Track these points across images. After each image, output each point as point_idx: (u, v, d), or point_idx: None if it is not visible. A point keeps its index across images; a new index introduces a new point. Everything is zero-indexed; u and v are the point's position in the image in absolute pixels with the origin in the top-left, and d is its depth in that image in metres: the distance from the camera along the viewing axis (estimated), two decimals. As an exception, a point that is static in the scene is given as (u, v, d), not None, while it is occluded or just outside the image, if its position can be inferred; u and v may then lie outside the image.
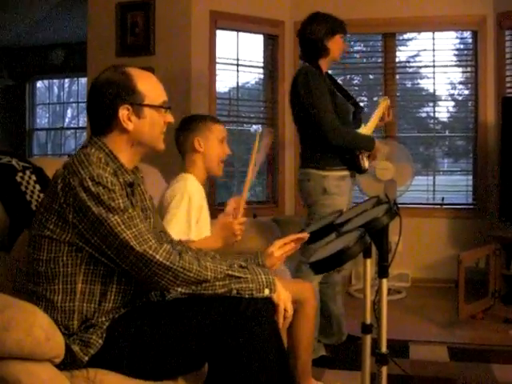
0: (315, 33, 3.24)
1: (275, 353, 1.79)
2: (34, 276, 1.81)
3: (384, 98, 3.57)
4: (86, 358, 1.75)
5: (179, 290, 1.76)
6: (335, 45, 3.28)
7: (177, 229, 2.42)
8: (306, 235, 2.27)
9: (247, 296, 1.79)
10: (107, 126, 1.84)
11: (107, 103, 1.81)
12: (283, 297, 1.87)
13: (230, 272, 1.79)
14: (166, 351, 1.78)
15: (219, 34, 5.12)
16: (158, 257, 1.70)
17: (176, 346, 1.78)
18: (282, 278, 2.72)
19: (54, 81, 8.87)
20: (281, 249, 2.20)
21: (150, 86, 1.87)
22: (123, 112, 1.81)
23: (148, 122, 1.86)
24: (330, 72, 3.49)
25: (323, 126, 3.12)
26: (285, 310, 1.88)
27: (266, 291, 1.82)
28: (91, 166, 1.71)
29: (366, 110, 5.59)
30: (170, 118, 1.93)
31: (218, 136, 2.65)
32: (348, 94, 3.46)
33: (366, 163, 3.31)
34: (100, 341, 1.77)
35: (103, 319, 1.79)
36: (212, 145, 2.63)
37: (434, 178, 5.45)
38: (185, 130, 2.66)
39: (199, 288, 1.76)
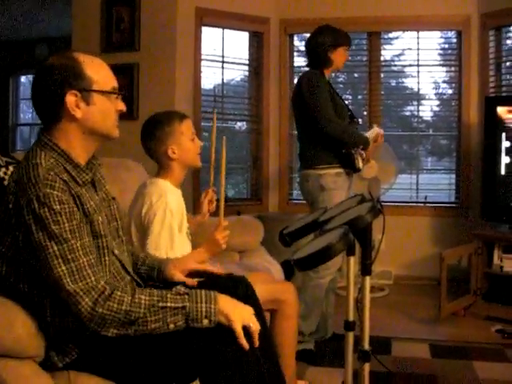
0: (320, 45, 3.44)
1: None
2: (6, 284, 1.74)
3: (377, 126, 3.71)
4: (61, 365, 1.73)
5: (111, 331, 1.64)
6: (338, 56, 3.49)
7: (162, 246, 2.36)
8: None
9: (183, 326, 1.68)
10: (54, 116, 1.73)
11: (53, 89, 1.69)
12: (236, 317, 1.70)
13: (161, 304, 1.66)
14: (147, 360, 1.75)
15: (205, 30, 5.11)
16: (86, 299, 1.59)
17: (157, 356, 1.75)
18: (263, 277, 2.72)
19: (38, 76, 8.80)
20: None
21: (98, 71, 1.76)
22: (70, 98, 1.69)
23: (98, 108, 1.74)
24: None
25: (321, 118, 3.26)
26: (247, 326, 1.72)
27: (205, 321, 1.68)
28: (38, 185, 1.60)
29: (350, 107, 5.65)
30: (121, 105, 1.82)
31: (189, 135, 2.51)
32: (346, 105, 3.62)
33: (360, 163, 3.40)
34: (76, 350, 1.74)
35: (79, 330, 1.71)
36: (185, 147, 2.49)
37: (418, 176, 5.48)
38: (154, 139, 2.48)
39: (133, 327, 1.65)
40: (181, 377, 1.80)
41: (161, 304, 1.66)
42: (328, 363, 3.23)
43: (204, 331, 1.69)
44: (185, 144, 2.49)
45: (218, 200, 2.73)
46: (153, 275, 2.12)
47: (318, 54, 3.46)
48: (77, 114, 1.71)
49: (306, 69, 3.55)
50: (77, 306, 1.60)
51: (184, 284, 1.79)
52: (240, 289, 1.94)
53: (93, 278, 1.62)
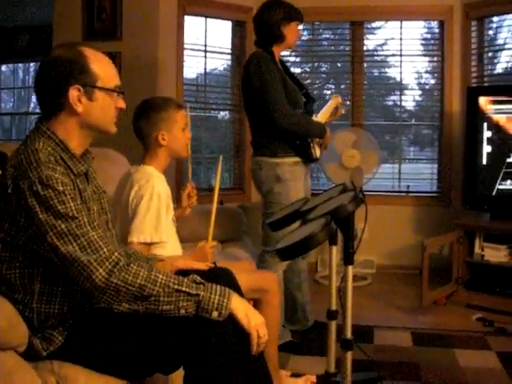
0: (272, 18, 3.23)
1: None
2: None
3: (336, 96, 3.55)
4: (45, 354, 1.73)
5: (123, 305, 1.65)
6: (291, 32, 3.28)
7: (147, 230, 2.37)
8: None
9: (193, 314, 1.68)
10: (56, 108, 1.74)
11: (57, 82, 1.70)
12: (255, 323, 1.72)
13: (177, 287, 1.67)
14: (130, 350, 1.75)
15: (187, 19, 5.08)
16: (100, 270, 1.61)
17: (142, 345, 1.74)
18: (245, 267, 2.73)
19: (19, 65, 8.70)
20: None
21: (103, 68, 1.77)
22: (73, 93, 1.71)
23: (99, 105, 1.76)
24: (290, 60, 3.47)
25: (275, 112, 3.09)
26: (259, 336, 1.73)
27: (214, 314, 1.67)
28: (40, 168, 1.62)
29: (327, 97, 5.65)
30: (122, 103, 1.84)
31: (181, 125, 2.53)
32: (300, 84, 3.46)
33: (317, 151, 3.31)
34: (60, 338, 1.74)
35: (65, 318, 1.74)
36: (176, 136, 2.51)
37: (400, 166, 5.51)
38: (146, 121, 2.50)
39: (145, 304, 1.65)
40: (165, 365, 1.80)
41: (177, 287, 1.67)
42: (311, 352, 3.25)
43: (189, 320, 1.69)
44: (176, 132, 2.52)
45: (197, 194, 2.77)
46: None
47: (269, 29, 3.24)
48: (78, 109, 1.73)
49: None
50: (91, 277, 1.60)
51: (200, 275, 1.80)
52: (223, 279, 1.94)
53: (105, 249, 1.64)
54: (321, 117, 3.45)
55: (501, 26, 5.22)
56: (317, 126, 3.29)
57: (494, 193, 4.40)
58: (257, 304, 2.57)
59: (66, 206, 1.62)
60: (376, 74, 5.86)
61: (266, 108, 3.12)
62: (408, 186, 5.43)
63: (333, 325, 2.31)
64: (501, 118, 4.38)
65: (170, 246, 2.49)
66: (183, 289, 1.67)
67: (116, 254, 1.66)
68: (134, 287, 1.63)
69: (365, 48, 5.53)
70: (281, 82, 3.17)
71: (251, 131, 3.37)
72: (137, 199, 2.40)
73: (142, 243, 2.36)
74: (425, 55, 5.56)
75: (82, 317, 1.79)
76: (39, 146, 1.67)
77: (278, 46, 3.29)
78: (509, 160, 4.35)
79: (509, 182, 4.36)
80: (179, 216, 2.73)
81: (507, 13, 5.03)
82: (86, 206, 1.76)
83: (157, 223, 2.39)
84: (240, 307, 1.72)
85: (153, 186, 2.40)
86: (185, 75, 5.15)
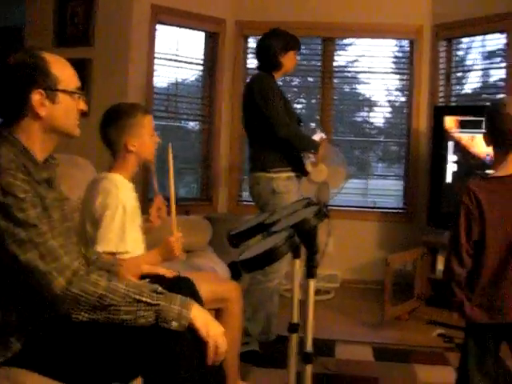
0: (271, 48, 3.47)
1: None
2: None
3: (321, 131, 3.81)
4: (1, 360, 1.70)
5: (82, 314, 1.63)
6: (288, 60, 3.53)
7: (112, 240, 2.33)
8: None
9: (152, 323, 1.66)
10: (18, 113, 1.72)
11: (19, 87, 1.69)
12: (214, 333, 1.71)
13: (137, 297, 1.66)
14: (88, 358, 1.73)
15: (160, 28, 5.08)
16: (60, 279, 1.59)
17: (100, 353, 1.73)
18: (208, 277, 2.74)
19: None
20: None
21: (64, 71, 1.77)
22: (36, 97, 1.70)
23: (62, 107, 1.76)
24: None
25: (276, 122, 3.30)
26: (217, 346, 1.71)
27: (174, 324, 1.66)
28: (0, 174, 1.59)
29: (304, 111, 5.70)
30: (83, 104, 1.83)
31: (149, 131, 2.52)
32: (293, 110, 3.71)
33: (309, 166, 3.52)
34: (18, 345, 1.72)
35: (24, 325, 1.71)
36: (144, 141, 2.49)
37: (368, 181, 5.56)
38: (114, 128, 2.47)
39: (104, 313, 1.64)
40: (123, 374, 1.80)
41: (137, 297, 1.66)
42: (272, 365, 3.25)
43: (148, 328, 1.68)
44: (144, 138, 2.49)
45: (167, 206, 2.74)
46: None
47: (268, 58, 3.49)
48: (42, 113, 1.72)
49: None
50: (50, 286, 1.59)
51: (161, 284, 1.79)
52: (184, 289, 1.94)
53: (65, 258, 1.63)
54: None
55: (470, 48, 5.32)
56: (312, 140, 3.52)
57: (457, 211, 4.45)
58: (218, 314, 2.57)
59: (27, 214, 1.60)
60: (347, 89, 5.92)
61: (267, 120, 3.33)
62: (374, 202, 5.48)
63: (293, 338, 2.31)
64: (466, 138, 4.45)
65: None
66: (143, 299, 1.66)
67: (76, 263, 1.65)
68: (93, 297, 1.62)
69: (336, 64, 5.59)
70: (281, 100, 3.41)
71: (250, 148, 3.59)
72: (102, 208, 2.36)
73: (108, 253, 2.33)
74: (395, 73, 5.64)
75: (41, 324, 1.76)
76: (0, 152, 1.65)
77: (276, 72, 3.53)
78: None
79: (472, 200, 4.42)
80: (149, 228, 2.71)
81: (476, 34, 5.13)
82: (47, 213, 1.73)
83: (122, 233, 2.36)
84: (199, 317, 1.71)
85: (118, 196, 2.37)
86: (156, 84, 5.15)
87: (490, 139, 2.27)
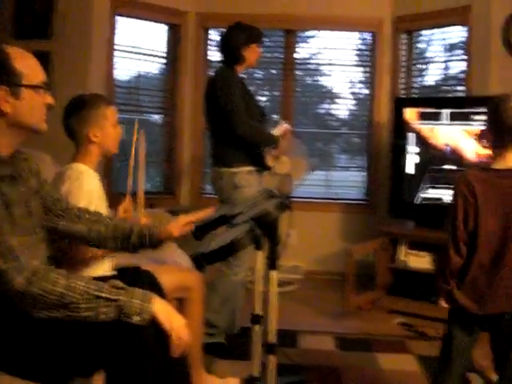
0: (233, 41, 3.49)
1: None
2: None
3: (285, 122, 3.81)
4: None
5: (43, 313, 1.63)
6: (251, 53, 3.54)
7: None
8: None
9: (114, 319, 1.66)
10: None
11: None
12: (176, 325, 1.71)
13: (97, 293, 1.65)
14: (51, 354, 1.73)
15: (121, 21, 5.04)
16: (19, 278, 1.58)
17: (60, 348, 1.73)
18: (168, 269, 2.74)
19: None
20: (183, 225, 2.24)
21: (27, 65, 1.73)
22: (0, 94, 1.68)
23: (27, 103, 1.73)
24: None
25: (234, 121, 3.31)
26: (180, 338, 1.71)
27: (136, 318, 1.65)
28: None
29: (267, 104, 5.71)
30: (49, 99, 1.80)
31: (112, 122, 2.50)
32: (256, 101, 3.72)
33: (270, 161, 3.54)
34: None
35: None
36: (107, 132, 2.47)
37: (330, 173, 5.60)
38: (76, 118, 2.45)
39: (64, 311, 1.63)
40: (85, 369, 1.79)
41: (96, 293, 1.65)
42: (236, 356, 3.26)
43: (111, 323, 1.67)
44: (107, 129, 2.48)
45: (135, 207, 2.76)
46: (144, 241, 2.15)
47: (231, 51, 3.50)
48: (6, 109, 1.69)
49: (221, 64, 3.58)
50: (9, 284, 1.58)
51: (121, 279, 1.78)
52: (145, 282, 1.94)
53: (25, 257, 1.62)
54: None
55: (430, 40, 5.39)
56: (271, 136, 3.54)
57: (418, 201, 4.53)
58: (181, 303, 2.59)
59: None
60: (309, 82, 5.95)
61: (227, 117, 3.34)
62: (336, 194, 5.52)
63: (256, 329, 2.33)
64: (426, 129, 4.51)
65: None
66: (103, 295, 1.66)
67: (35, 262, 1.64)
68: (53, 295, 1.61)
69: (298, 56, 5.61)
70: (241, 96, 3.40)
71: (212, 143, 3.60)
72: (68, 194, 2.35)
73: None
74: (357, 65, 5.69)
75: (2, 322, 1.74)
76: None
77: (239, 66, 3.54)
78: (432, 169, 4.50)
79: (432, 190, 4.50)
80: None
81: (436, 27, 5.20)
82: (9, 210, 1.70)
83: None
84: (161, 310, 1.71)
85: (82, 183, 2.36)
86: (117, 77, 5.11)
87: (491, 132, 2.26)
